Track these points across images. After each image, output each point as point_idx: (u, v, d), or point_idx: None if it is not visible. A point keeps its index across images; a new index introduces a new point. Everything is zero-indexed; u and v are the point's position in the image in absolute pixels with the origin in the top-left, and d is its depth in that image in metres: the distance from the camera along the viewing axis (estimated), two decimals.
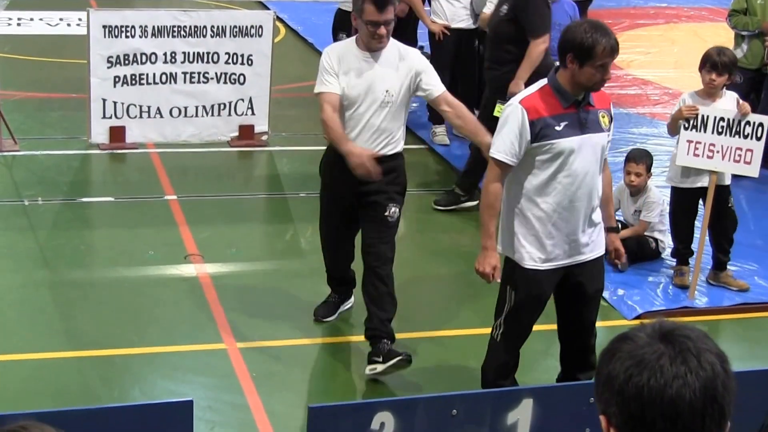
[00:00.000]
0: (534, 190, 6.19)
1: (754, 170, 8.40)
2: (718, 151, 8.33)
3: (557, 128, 6.06)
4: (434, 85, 7.13)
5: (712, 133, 8.33)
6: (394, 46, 7.11)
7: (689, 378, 2.23)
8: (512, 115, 6.08)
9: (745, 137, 8.26)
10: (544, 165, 6.13)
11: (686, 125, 8.41)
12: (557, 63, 6.32)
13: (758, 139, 8.25)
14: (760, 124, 8.26)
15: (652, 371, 2.24)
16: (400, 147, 7.26)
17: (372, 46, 6.99)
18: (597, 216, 6.40)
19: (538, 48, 9.55)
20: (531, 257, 6.25)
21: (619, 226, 6.66)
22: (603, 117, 6.32)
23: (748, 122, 8.27)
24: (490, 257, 6.23)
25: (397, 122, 7.18)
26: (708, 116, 8.35)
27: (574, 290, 6.46)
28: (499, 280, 6.29)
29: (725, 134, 8.30)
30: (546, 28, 9.65)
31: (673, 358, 2.24)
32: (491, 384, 6.64)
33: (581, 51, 5.99)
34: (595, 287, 6.54)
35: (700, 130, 8.36)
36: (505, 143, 6.10)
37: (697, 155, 8.40)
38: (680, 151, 8.46)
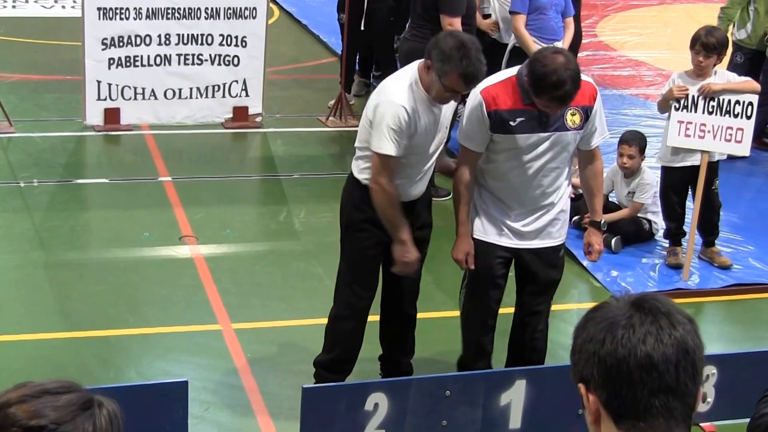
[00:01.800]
0: (488, 173, 6.30)
1: (744, 149, 8.43)
2: (709, 131, 8.35)
3: (511, 123, 6.05)
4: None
5: (703, 113, 8.35)
6: None
7: (661, 334, 2.32)
8: (470, 103, 6.14)
9: (736, 116, 8.28)
10: (497, 155, 6.19)
11: (677, 105, 8.43)
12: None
13: (748, 117, 8.28)
14: (750, 103, 8.28)
15: (625, 329, 2.33)
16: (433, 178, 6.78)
17: (438, 102, 6.10)
18: (557, 208, 6.41)
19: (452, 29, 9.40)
20: (478, 228, 6.35)
21: (603, 221, 6.65)
22: (573, 115, 6.19)
23: (738, 101, 8.29)
24: (462, 243, 6.32)
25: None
26: (698, 96, 8.37)
27: (527, 277, 6.55)
28: (472, 267, 6.33)
29: (716, 114, 8.32)
30: (460, 10, 9.54)
31: (643, 318, 2.34)
32: (465, 368, 6.70)
33: (535, 87, 5.93)
34: (549, 277, 6.58)
35: (690, 111, 8.38)
36: (465, 130, 6.20)
37: (689, 135, 8.42)
38: (671, 131, 8.49)
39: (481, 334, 6.66)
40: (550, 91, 5.84)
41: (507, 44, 10.75)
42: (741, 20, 11.64)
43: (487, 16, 11.32)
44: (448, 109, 6.26)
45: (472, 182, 6.26)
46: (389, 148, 5.98)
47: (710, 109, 8.33)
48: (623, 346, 2.31)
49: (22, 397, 2.34)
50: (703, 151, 8.45)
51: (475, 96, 6.10)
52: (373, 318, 6.65)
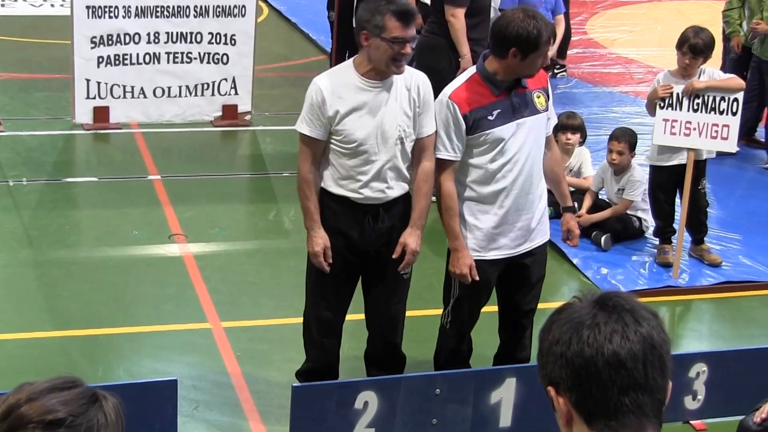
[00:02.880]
0: (474, 181, 6.16)
1: (731, 145, 8.44)
2: (694, 129, 8.35)
3: (490, 118, 6.02)
4: (426, 125, 6.08)
5: (688, 110, 8.35)
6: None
7: (627, 331, 2.31)
8: (444, 111, 6.02)
9: (721, 113, 8.28)
10: (482, 155, 6.09)
11: (662, 104, 8.43)
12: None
13: (734, 114, 8.27)
14: (735, 100, 8.27)
15: (591, 329, 2.32)
16: (409, 181, 6.26)
17: (390, 70, 5.85)
18: (543, 201, 6.40)
19: (454, 20, 9.40)
20: (475, 247, 6.23)
21: (575, 205, 6.65)
22: (538, 97, 6.21)
23: (723, 98, 8.29)
24: (463, 257, 6.16)
25: (408, 156, 6.16)
26: (682, 95, 8.37)
27: (518, 277, 6.47)
28: (477, 278, 6.21)
29: (701, 111, 8.32)
30: (464, 2, 9.46)
31: (608, 316, 2.33)
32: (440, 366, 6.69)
33: (527, 44, 5.91)
34: (538, 275, 6.56)
35: (675, 109, 8.38)
36: (442, 140, 6.06)
37: (674, 133, 8.42)
38: (657, 130, 8.49)
39: (466, 341, 6.67)
40: (544, 31, 5.90)
41: None
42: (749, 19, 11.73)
43: None
44: (402, 97, 5.97)
45: (455, 194, 6.14)
46: (303, 127, 5.95)
47: (695, 107, 8.33)
48: (590, 346, 2.30)
49: (31, 395, 2.36)
50: (689, 149, 8.45)
51: (443, 103, 6.02)
52: (359, 316, 6.61)
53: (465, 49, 9.38)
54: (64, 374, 2.48)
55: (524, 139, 6.14)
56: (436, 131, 6.07)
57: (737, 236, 9.59)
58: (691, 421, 6.49)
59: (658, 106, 8.44)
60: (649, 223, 9.35)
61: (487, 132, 6.03)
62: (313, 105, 5.91)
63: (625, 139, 9.24)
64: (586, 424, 2.35)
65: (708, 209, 9.05)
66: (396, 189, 6.11)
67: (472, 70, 6.17)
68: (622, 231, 9.26)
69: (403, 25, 5.77)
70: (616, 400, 2.31)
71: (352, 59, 6.07)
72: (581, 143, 9.86)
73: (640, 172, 9.31)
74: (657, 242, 9.13)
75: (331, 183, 6.07)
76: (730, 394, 6.27)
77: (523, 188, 6.21)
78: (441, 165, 6.11)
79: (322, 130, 5.93)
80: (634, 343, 2.30)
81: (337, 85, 5.93)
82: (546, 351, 2.39)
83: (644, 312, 2.36)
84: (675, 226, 8.93)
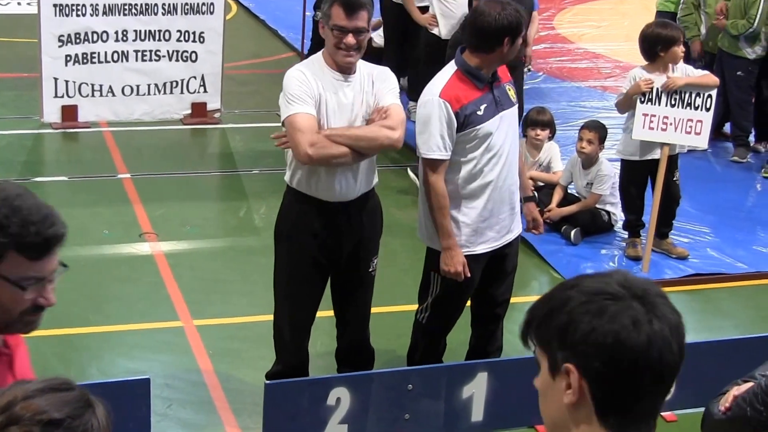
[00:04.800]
0: (462, 177, 6.17)
1: (703, 141, 8.50)
2: (671, 124, 8.41)
3: (479, 113, 6.05)
4: (386, 102, 6.01)
5: (666, 105, 8.41)
6: (364, 66, 6.06)
7: (672, 340, 2.30)
8: (436, 110, 5.99)
9: (696, 109, 8.34)
10: (471, 150, 6.11)
11: (642, 99, 8.48)
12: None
13: (707, 110, 8.34)
14: (709, 96, 8.35)
15: (641, 329, 2.28)
16: (376, 176, 6.30)
17: (338, 60, 5.86)
18: (517, 195, 6.47)
19: None
20: (464, 242, 6.24)
21: (535, 194, 6.70)
22: (510, 90, 6.30)
23: (698, 94, 8.36)
24: (456, 255, 6.16)
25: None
26: (662, 90, 8.42)
27: (496, 269, 6.51)
28: (469, 275, 6.25)
29: (678, 106, 8.38)
30: None
31: (660, 322, 2.30)
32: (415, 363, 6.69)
33: (517, 30, 6.02)
34: (512, 264, 6.63)
35: (655, 103, 8.44)
36: (435, 140, 6.01)
37: (652, 128, 8.47)
38: (636, 124, 8.52)
39: (443, 338, 6.69)
40: (521, 13, 6.03)
41: (448, 40, 10.75)
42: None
43: (424, 9, 11.32)
44: (367, 92, 5.96)
45: (446, 191, 6.16)
46: (294, 108, 5.81)
47: (673, 102, 8.40)
48: (641, 348, 2.28)
49: (27, 394, 2.37)
50: (663, 144, 8.50)
51: (434, 102, 6.00)
52: (329, 312, 6.61)
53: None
54: (59, 376, 2.49)
55: (506, 131, 6.20)
56: (424, 131, 6.05)
57: (705, 229, 9.67)
58: (661, 413, 6.53)
59: (639, 101, 8.48)
60: (618, 216, 9.40)
61: (478, 127, 6.05)
62: (300, 81, 5.84)
63: (597, 129, 9.30)
64: (598, 416, 2.34)
65: (679, 202, 9.14)
66: (364, 184, 6.12)
67: (451, 68, 6.17)
68: (591, 225, 9.32)
69: (346, 14, 5.76)
70: (641, 402, 2.32)
71: (320, 52, 6.06)
72: (550, 138, 9.90)
73: (608, 166, 9.36)
74: (626, 236, 9.19)
75: (298, 181, 6.07)
76: (699, 386, 6.30)
77: (506, 180, 6.26)
78: (434, 165, 6.07)
79: (313, 106, 5.86)
80: (675, 355, 2.30)
81: (312, 73, 5.91)
82: (580, 335, 2.31)
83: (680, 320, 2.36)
84: (645, 220, 8.99)
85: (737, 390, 4.03)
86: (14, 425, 2.32)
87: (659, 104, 8.43)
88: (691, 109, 8.37)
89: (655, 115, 8.44)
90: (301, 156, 5.83)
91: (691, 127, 8.38)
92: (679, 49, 8.53)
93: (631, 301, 2.30)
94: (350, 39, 5.79)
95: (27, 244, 2.96)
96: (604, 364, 2.28)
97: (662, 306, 2.34)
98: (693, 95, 8.38)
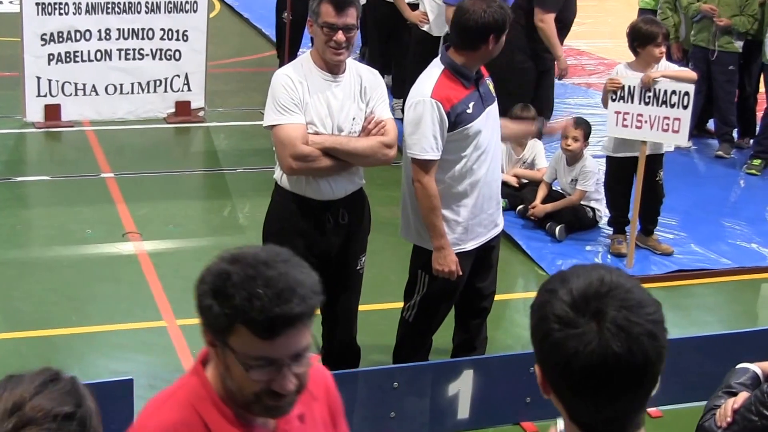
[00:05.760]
0: (453, 175, 6.14)
1: (682, 138, 8.49)
2: (646, 121, 8.40)
3: (468, 111, 6.03)
4: (383, 115, 6.04)
5: (639, 103, 8.39)
6: (352, 65, 6.06)
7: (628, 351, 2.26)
8: (428, 111, 5.95)
9: (672, 106, 8.32)
10: (460, 148, 6.08)
11: (614, 96, 8.48)
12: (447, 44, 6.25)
13: (684, 107, 8.32)
14: (686, 93, 8.31)
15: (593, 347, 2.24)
16: (362, 176, 6.25)
17: (327, 57, 5.83)
18: (500, 189, 6.49)
19: (544, 25, 9.53)
20: (456, 240, 6.23)
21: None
22: (490, 84, 6.31)
23: (674, 92, 8.33)
24: (450, 254, 6.14)
25: None
26: (634, 87, 8.41)
27: (481, 262, 6.51)
28: (461, 272, 6.22)
29: (652, 104, 8.36)
30: (555, 5, 9.60)
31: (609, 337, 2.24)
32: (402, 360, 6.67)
33: (502, 27, 6.03)
34: (496, 256, 6.67)
35: (627, 101, 8.43)
36: (428, 141, 5.96)
37: (626, 126, 8.47)
38: (609, 122, 8.55)
39: (430, 336, 6.67)
40: (507, 9, 6.03)
41: (439, 36, 10.74)
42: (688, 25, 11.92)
43: (414, 6, 11.30)
44: (355, 91, 5.94)
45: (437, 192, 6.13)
46: (281, 118, 5.81)
47: (647, 100, 8.38)
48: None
49: (31, 393, 2.35)
50: (642, 142, 8.50)
51: (426, 103, 5.95)
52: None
53: (560, 51, 9.52)
54: (48, 367, 2.48)
55: (492, 127, 6.21)
56: (415, 132, 5.99)
57: (689, 224, 9.67)
58: (647, 409, 6.53)
59: (610, 99, 8.49)
60: (603, 213, 9.41)
61: (468, 126, 6.03)
62: (287, 88, 5.83)
63: (581, 126, 9.30)
64: (567, 414, 2.36)
65: (663, 200, 9.15)
66: (352, 183, 6.09)
67: (438, 68, 6.13)
68: (575, 221, 9.31)
69: (336, 11, 5.74)
70: (601, 410, 2.32)
71: (308, 51, 6.03)
72: None
73: (592, 163, 9.37)
74: (610, 232, 9.19)
75: (287, 180, 6.04)
76: (684, 382, 6.32)
77: (493, 175, 6.28)
78: (425, 166, 6.01)
79: (301, 114, 5.84)
80: (635, 365, 2.27)
81: (300, 75, 5.87)
82: (537, 345, 2.33)
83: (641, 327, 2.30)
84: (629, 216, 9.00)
85: (735, 403, 3.97)
86: (32, 425, 2.30)
87: (632, 102, 8.41)
88: (666, 106, 8.34)
89: (628, 113, 8.43)
90: (285, 169, 5.89)
91: (668, 124, 8.36)
92: (657, 50, 8.52)
93: (577, 326, 2.25)
94: (340, 36, 5.75)
95: (251, 320, 2.59)
96: (556, 378, 2.30)
97: (623, 316, 2.27)
98: (668, 93, 8.34)
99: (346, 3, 5.78)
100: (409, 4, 11.34)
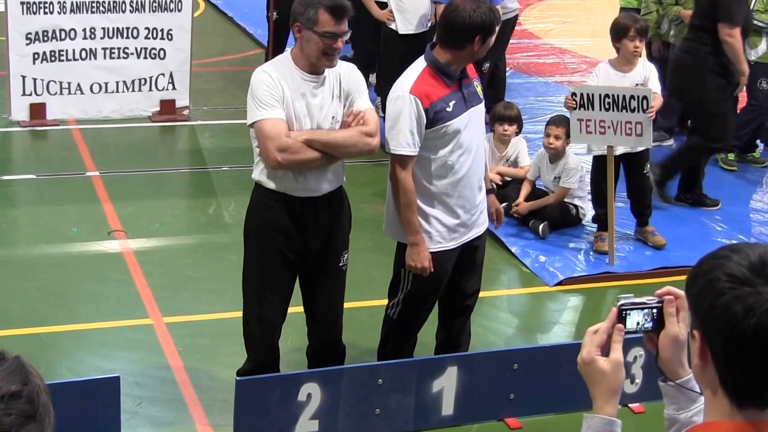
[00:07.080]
0: (433, 173, 6.18)
1: (646, 141, 8.56)
2: (609, 127, 8.45)
3: (448, 109, 6.07)
4: (361, 106, 6.04)
5: (600, 110, 8.44)
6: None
7: None
8: (407, 106, 5.99)
9: (632, 111, 8.37)
10: (440, 147, 6.12)
11: (574, 107, 8.55)
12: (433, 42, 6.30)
13: (644, 111, 8.36)
14: (644, 98, 8.34)
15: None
16: (344, 174, 6.26)
17: (323, 65, 5.85)
18: (484, 188, 6.51)
19: (732, 39, 9.50)
20: (437, 238, 6.27)
21: (494, 186, 6.72)
22: (477, 86, 6.36)
23: (633, 96, 8.37)
24: (424, 251, 6.17)
25: None
26: (593, 94, 8.45)
27: (467, 262, 6.54)
28: (433, 269, 6.25)
29: (612, 110, 8.41)
30: (740, 20, 9.55)
31: None
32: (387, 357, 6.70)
33: (490, 29, 6.07)
34: (482, 256, 6.68)
35: (588, 108, 8.48)
36: (405, 136, 6.01)
37: (590, 132, 8.53)
38: (573, 129, 8.63)
39: (414, 333, 6.71)
40: (497, 14, 6.13)
41: (405, 35, 10.84)
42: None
43: (383, 5, 11.35)
44: (334, 89, 5.94)
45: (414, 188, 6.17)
46: (263, 113, 5.79)
47: (606, 106, 8.44)
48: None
49: None
50: (608, 146, 8.61)
51: (405, 98, 6.00)
52: (299, 308, 6.61)
53: (745, 66, 9.55)
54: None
55: (475, 127, 6.24)
56: (393, 127, 6.04)
57: (673, 222, 9.72)
58: (629, 405, 6.58)
59: (570, 111, 8.59)
60: (586, 210, 9.46)
61: (447, 124, 6.07)
62: (267, 85, 5.80)
63: (563, 125, 9.33)
64: (721, 383, 2.41)
65: (651, 192, 9.29)
66: (333, 181, 6.11)
67: (420, 64, 6.18)
68: (559, 219, 9.36)
69: (336, 20, 5.76)
70: (753, 380, 2.36)
71: (288, 51, 6.06)
72: (517, 133, 9.95)
73: (575, 160, 9.42)
74: (594, 229, 9.25)
75: (266, 178, 6.07)
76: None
77: (476, 174, 6.30)
78: (402, 161, 6.06)
79: (282, 109, 5.84)
80: None
81: (280, 75, 5.87)
82: (704, 310, 2.41)
83: None
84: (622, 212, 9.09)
85: None
86: None
87: (592, 109, 8.47)
88: (627, 111, 8.39)
89: (590, 120, 8.49)
90: (270, 162, 5.84)
91: (630, 129, 8.40)
92: (631, 44, 8.62)
93: (754, 285, 2.35)
94: (339, 44, 5.80)
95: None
96: (720, 342, 2.36)
97: None
98: (627, 98, 8.38)
99: (344, 11, 5.81)
100: (378, 3, 11.41)
